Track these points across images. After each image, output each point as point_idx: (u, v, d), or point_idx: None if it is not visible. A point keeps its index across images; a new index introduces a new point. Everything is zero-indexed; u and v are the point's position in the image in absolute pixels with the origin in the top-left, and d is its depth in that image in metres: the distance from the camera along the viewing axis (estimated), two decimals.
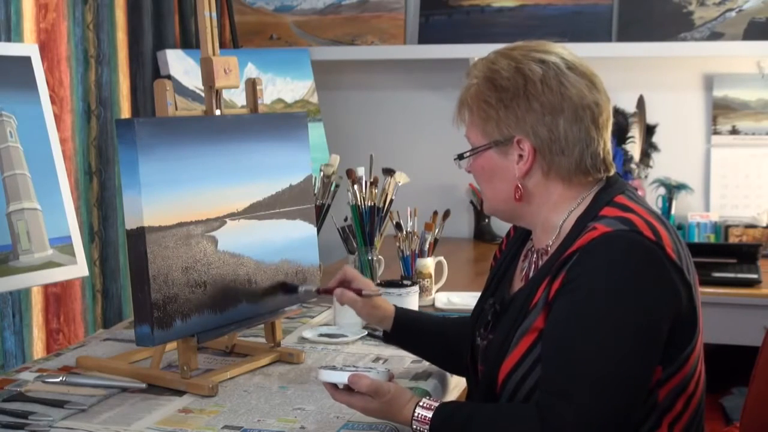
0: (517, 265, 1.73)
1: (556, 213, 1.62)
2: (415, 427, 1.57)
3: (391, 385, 1.60)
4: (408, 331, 1.92)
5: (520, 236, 1.76)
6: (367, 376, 1.59)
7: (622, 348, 1.46)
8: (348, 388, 1.62)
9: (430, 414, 1.56)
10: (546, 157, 1.59)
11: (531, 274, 1.65)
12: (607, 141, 1.62)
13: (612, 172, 1.63)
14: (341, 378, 1.61)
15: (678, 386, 1.54)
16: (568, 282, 1.51)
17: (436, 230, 2.58)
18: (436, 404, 1.57)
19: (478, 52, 3.41)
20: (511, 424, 1.51)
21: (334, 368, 1.66)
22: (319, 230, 2.38)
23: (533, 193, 1.62)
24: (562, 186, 1.61)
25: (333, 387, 1.64)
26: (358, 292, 1.90)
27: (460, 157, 1.67)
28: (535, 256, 1.67)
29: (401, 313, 1.93)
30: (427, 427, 1.56)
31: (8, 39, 2.48)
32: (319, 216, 2.58)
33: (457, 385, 1.98)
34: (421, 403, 1.58)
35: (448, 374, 1.96)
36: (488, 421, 1.53)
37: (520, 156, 1.59)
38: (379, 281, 2.39)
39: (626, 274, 1.48)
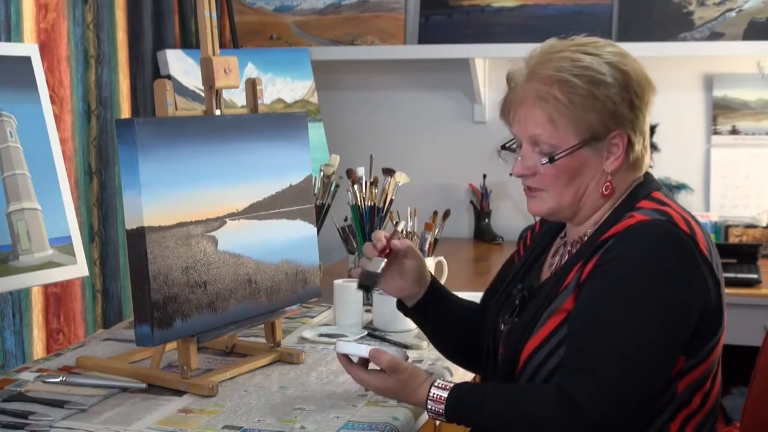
0: (545, 259, 1.73)
1: (603, 207, 1.63)
2: (430, 407, 1.58)
3: (409, 364, 1.61)
4: (440, 299, 1.84)
5: (549, 231, 1.76)
6: (387, 352, 1.60)
7: (649, 330, 1.48)
8: (363, 365, 1.63)
9: (445, 393, 1.57)
10: (635, 149, 1.60)
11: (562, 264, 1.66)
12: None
13: (646, 168, 1.66)
14: (361, 351, 1.61)
15: (697, 381, 1.56)
16: (602, 264, 1.53)
17: (436, 230, 2.58)
18: (451, 384, 1.58)
19: (478, 52, 3.42)
20: (529, 401, 1.52)
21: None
22: (319, 230, 2.38)
23: (616, 187, 1.63)
24: (625, 179, 1.63)
25: (349, 362, 1.64)
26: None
27: (551, 160, 1.58)
28: (569, 246, 1.68)
29: (436, 280, 1.86)
30: (443, 406, 1.56)
31: (8, 39, 2.48)
32: (319, 216, 2.58)
33: None
34: (436, 383, 1.59)
35: (447, 373, 1.95)
36: (505, 399, 1.54)
37: (610, 151, 1.59)
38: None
39: (660, 261, 1.51)
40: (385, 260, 1.74)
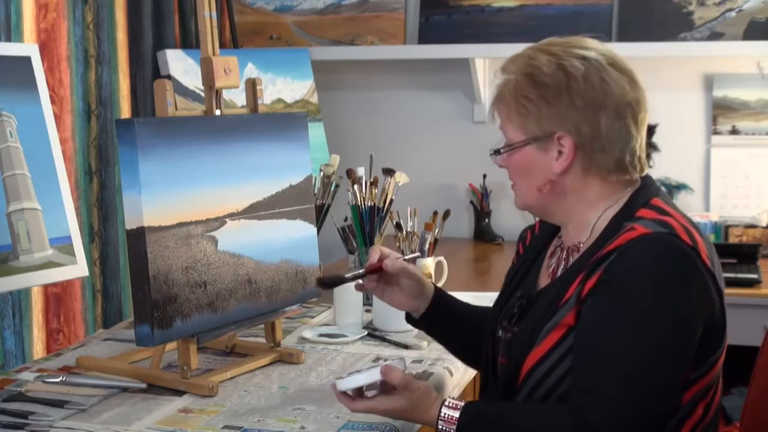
0: (543, 261, 1.73)
1: (591, 210, 1.62)
2: (440, 427, 1.56)
3: (421, 383, 1.59)
4: (445, 310, 1.85)
5: (546, 233, 1.75)
6: (399, 369, 1.56)
7: (657, 347, 1.47)
8: (360, 395, 1.59)
9: (456, 414, 1.55)
10: (587, 153, 1.58)
11: (560, 271, 1.65)
12: (643, 138, 1.62)
13: (645, 171, 1.64)
14: (367, 378, 1.56)
15: (701, 391, 1.55)
16: (605, 281, 1.51)
17: (436, 230, 2.57)
18: (462, 403, 1.57)
19: (478, 52, 3.42)
20: (543, 422, 1.51)
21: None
22: (319, 230, 2.38)
23: (570, 189, 1.61)
24: (600, 183, 1.61)
25: (349, 398, 1.59)
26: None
27: (497, 152, 1.66)
28: (564, 253, 1.67)
29: (440, 291, 1.86)
30: (454, 427, 1.55)
31: (8, 39, 2.48)
32: (319, 216, 2.58)
33: (457, 385, 1.98)
34: (446, 403, 1.57)
35: (447, 374, 1.95)
36: (518, 419, 1.53)
37: (560, 152, 1.59)
38: None
39: (664, 275, 1.49)
40: (361, 272, 1.79)
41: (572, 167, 1.59)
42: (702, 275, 1.51)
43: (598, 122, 1.56)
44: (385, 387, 1.58)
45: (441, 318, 1.86)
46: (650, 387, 1.47)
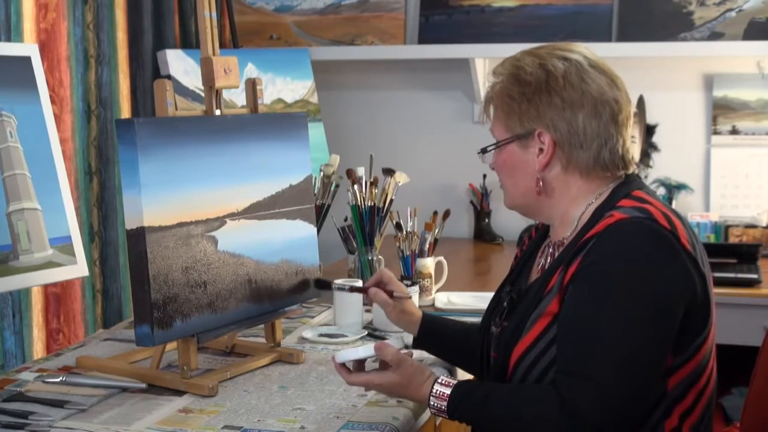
0: (535, 260, 1.76)
1: (575, 207, 1.66)
2: (432, 403, 1.60)
3: (414, 360, 1.63)
4: (433, 336, 1.94)
5: (541, 235, 1.78)
6: (392, 346, 1.62)
7: (639, 328, 1.49)
8: (360, 369, 1.65)
9: (448, 390, 1.59)
10: (565, 150, 1.63)
11: (547, 266, 1.68)
12: (626, 139, 1.66)
13: (631, 170, 1.67)
14: (367, 351, 1.62)
15: (689, 377, 1.56)
16: (584, 267, 1.54)
17: (436, 230, 2.57)
18: (454, 381, 1.60)
19: (478, 52, 3.42)
20: (530, 403, 1.53)
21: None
22: (319, 230, 2.38)
23: (553, 186, 1.66)
24: (581, 180, 1.65)
25: (347, 371, 1.66)
26: (390, 294, 1.93)
27: (484, 150, 1.72)
28: (551, 248, 1.70)
29: (427, 320, 1.95)
30: (445, 403, 1.58)
31: (8, 39, 2.48)
32: (319, 216, 2.58)
33: None
34: (439, 380, 1.60)
35: (448, 373, 1.95)
36: (507, 399, 1.56)
37: (541, 149, 1.63)
38: None
39: (641, 258, 1.51)
40: (347, 287, 2.08)
41: (552, 164, 1.64)
42: (680, 257, 1.53)
43: (575, 119, 1.61)
44: (383, 363, 1.64)
45: (432, 343, 1.95)
46: (636, 368, 1.49)
